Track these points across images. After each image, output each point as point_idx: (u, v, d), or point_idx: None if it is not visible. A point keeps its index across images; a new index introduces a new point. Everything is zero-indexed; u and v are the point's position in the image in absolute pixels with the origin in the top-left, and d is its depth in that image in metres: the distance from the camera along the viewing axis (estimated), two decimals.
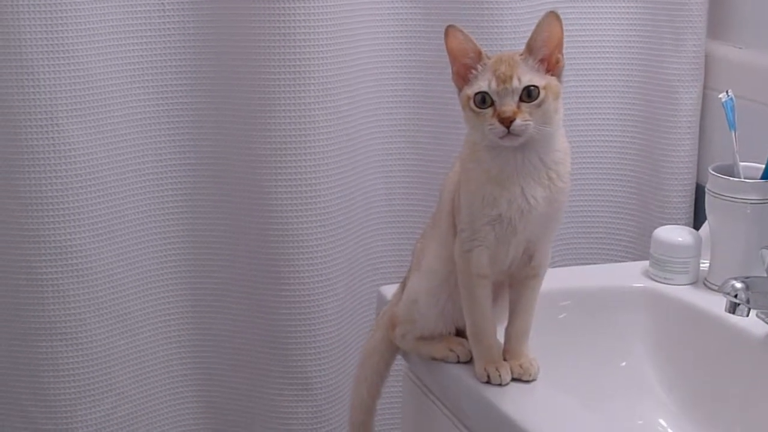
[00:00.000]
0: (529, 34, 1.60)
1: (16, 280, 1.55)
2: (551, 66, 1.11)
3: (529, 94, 1.08)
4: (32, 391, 1.58)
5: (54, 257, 1.54)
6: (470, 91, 1.10)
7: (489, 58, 1.11)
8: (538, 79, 1.08)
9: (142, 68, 1.57)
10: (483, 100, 1.09)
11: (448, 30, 1.12)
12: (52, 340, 1.56)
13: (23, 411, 1.59)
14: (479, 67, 1.11)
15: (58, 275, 1.55)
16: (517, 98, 1.08)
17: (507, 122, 1.07)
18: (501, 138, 1.08)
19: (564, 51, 1.12)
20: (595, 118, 1.76)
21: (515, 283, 1.19)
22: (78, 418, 1.59)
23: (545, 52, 1.10)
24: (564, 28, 1.11)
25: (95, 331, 1.59)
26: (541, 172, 1.11)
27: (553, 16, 1.10)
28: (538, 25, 1.10)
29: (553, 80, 1.10)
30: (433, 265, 1.21)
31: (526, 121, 1.07)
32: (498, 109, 1.08)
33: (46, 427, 1.59)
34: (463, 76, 1.12)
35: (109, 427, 1.62)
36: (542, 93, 1.08)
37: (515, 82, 1.07)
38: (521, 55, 1.10)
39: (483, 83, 1.09)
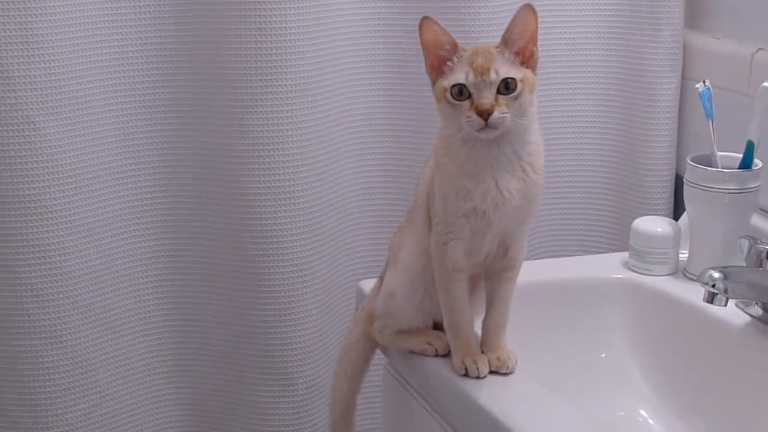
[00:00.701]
0: (503, 25, 1.62)
1: None
2: (526, 59, 1.10)
3: (506, 86, 1.08)
4: (12, 390, 1.58)
5: (32, 256, 1.53)
6: (446, 82, 1.09)
7: (464, 50, 1.10)
8: (514, 72, 1.08)
9: (117, 64, 1.56)
10: (460, 92, 1.08)
11: (423, 21, 1.11)
12: (32, 338, 1.56)
13: (3, 409, 1.58)
14: (455, 59, 1.10)
15: (37, 274, 1.54)
16: (494, 91, 1.08)
17: (485, 114, 1.07)
18: (478, 130, 1.08)
19: (539, 43, 1.12)
20: (573, 110, 1.76)
21: (491, 276, 1.19)
22: (58, 416, 1.59)
23: (520, 45, 1.10)
24: (540, 19, 1.11)
25: (75, 330, 1.58)
26: (515, 165, 1.11)
27: (528, 8, 1.10)
28: (514, 18, 1.10)
29: (528, 73, 1.10)
30: (410, 259, 1.21)
31: (503, 113, 1.07)
32: (476, 101, 1.07)
33: (26, 425, 1.58)
34: (436, 67, 1.12)
35: (90, 425, 1.62)
36: (519, 85, 1.08)
37: (493, 75, 1.07)
38: (497, 47, 1.10)
39: (460, 75, 1.08)
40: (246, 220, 1.61)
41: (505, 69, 1.08)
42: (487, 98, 1.07)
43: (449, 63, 1.10)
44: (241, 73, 1.56)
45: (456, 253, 1.14)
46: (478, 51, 1.09)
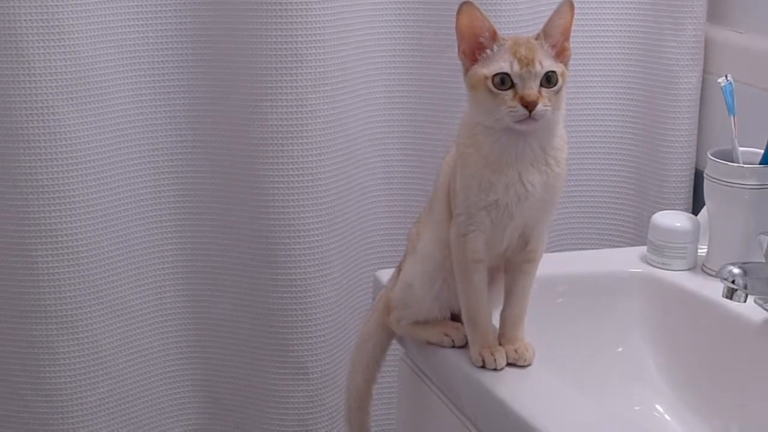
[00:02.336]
0: (525, 17, 1.61)
1: (11, 265, 1.55)
2: (558, 53, 1.10)
3: (549, 79, 1.07)
4: (28, 375, 1.58)
5: (50, 243, 1.54)
6: (487, 70, 1.08)
7: (505, 39, 1.09)
8: (556, 66, 1.08)
9: (138, 53, 1.57)
10: (502, 81, 1.07)
11: (464, 6, 1.09)
12: (48, 324, 1.56)
13: (19, 394, 1.59)
14: (495, 48, 1.09)
15: (54, 261, 1.54)
16: (538, 82, 1.07)
17: (531, 106, 1.06)
18: (519, 121, 1.07)
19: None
20: (593, 103, 1.76)
21: (511, 268, 1.18)
22: (74, 401, 1.59)
23: (556, 39, 1.10)
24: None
25: (91, 316, 1.59)
26: (540, 158, 1.11)
27: (568, 3, 1.09)
28: (556, 12, 1.09)
29: (563, 67, 1.10)
30: (429, 249, 1.21)
31: (546, 106, 1.07)
32: (520, 91, 1.07)
33: (42, 411, 1.59)
34: (470, 55, 1.10)
35: (105, 411, 1.63)
36: (560, 79, 1.08)
37: (537, 66, 1.07)
38: (537, 39, 1.09)
39: (504, 64, 1.07)
40: (264, 208, 1.61)
41: (548, 62, 1.08)
42: (533, 89, 1.06)
43: (488, 51, 1.09)
44: (262, 61, 1.56)
45: (476, 245, 1.13)
46: (520, 41, 1.08)
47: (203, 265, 1.67)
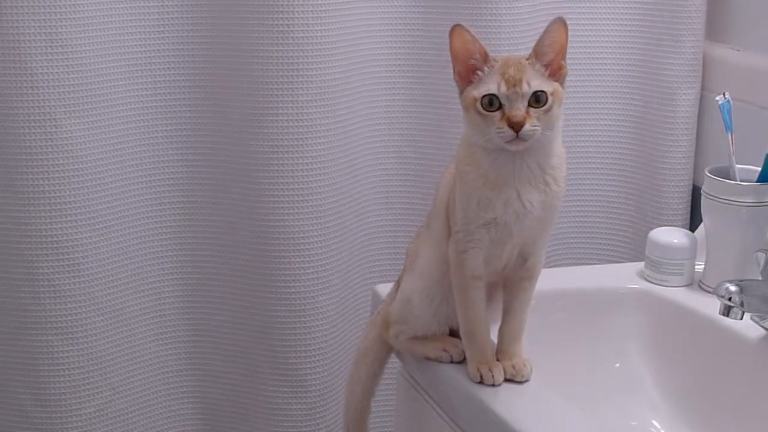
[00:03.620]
0: (526, 34, 1.62)
1: (12, 275, 1.55)
2: (554, 72, 1.10)
3: (537, 99, 1.08)
4: (28, 385, 1.59)
5: (50, 252, 1.54)
6: (477, 92, 1.09)
7: (495, 60, 1.10)
8: (546, 85, 1.08)
9: (140, 64, 1.57)
10: (491, 102, 1.08)
11: (455, 29, 1.10)
12: (48, 334, 1.57)
13: (18, 404, 1.59)
14: (485, 69, 1.10)
15: (55, 270, 1.55)
16: (526, 103, 1.07)
17: (517, 127, 1.06)
18: (507, 142, 1.07)
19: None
20: (592, 119, 1.76)
21: (509, 284, 1.19)
22: (73, 412, 1.60)
23: (550, 58, 1.10)
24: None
25: (91, 327, 1.59)
26: (538, 177, 1.11)
27: (560, 22, 1.09)
28: (546, 31, 1.10)
29: (557, 86, 1.10)
30: (428, 265, 1.21)
31: (534, 126, 1.07)
32: (507, 113, 1.07)
33: (40, 420, 1.59)
34: (465, 76, 1.11)
35: (104, 422, 1.63)
36: (550, 99, 1.08)
37: (525, 87, 1.07)
38: (528, 59, 1.10)
39: (492, 86, 1.08)
40: (263, 221, 1.62)
41: (536, 81, 1.08)
42: (519, 110, 1.07)
43: (479, 73, 1.10)
44: (263, 75, 1.57)
45: (475, 262, 1.14)
46: (509, 62, 1.09)
47: (203, 277, 1.68)
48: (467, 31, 1.10)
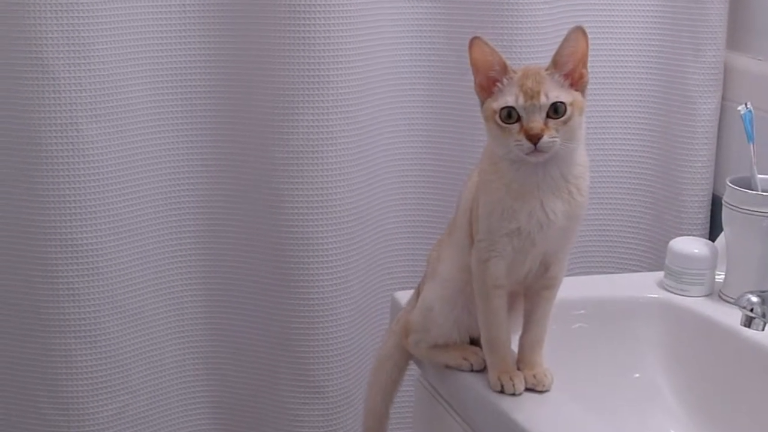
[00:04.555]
0: (546, 40, 1.62)
1: (32, 278, 1.56)
2: (575, 81, 1.10)
3: (556, 110, 1.07)
4: (46, 387, 1.59)
5: (71, 256, 1.55)
6: (496, 105, 1.09)
7: (515, 71, 1.10)
8: (564, 95, 1.08)
9: (161, 71, 1.58)
10: (509, 114, 1.08)
11: (473, 41, 1.10)
12: (67, 337, 1.57)
13: (36, 406, 1.60)
14: (505, 81, 1.10)
15: (75, 273, 1.55)
16: (544, 114, 1.07)
17: (534, 139, 1.06)
18: (527, 154, 1.07)
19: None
20: (612, 126, 1.76)
21: (531, 293, 1.19)
22: (90, 414, 1.60)
23: (570, 67, 1.09)
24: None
25: (109, 330, 1.60)
26: (561, 187, 1.11)
27: (579, 31, 1.09)
28: (565, 40, 1.09)
29: (578, 96, 1.09)
30: (449, 273, 1.22)
31: (552, 138, 1.07)
32: (525, 125, 1.07)
33: (58, 423, 1.60)
34: (486, 88, 1.11)
35: (121, 425, 1.63)
36: (569, 110, 1.08)
37: (543, 98, 1.07)
38: (547, 69, 1.09)
39: (510, 98, 1.08)
40: (282, 227, 1.62)
41: (555, 92, 1.07)
42: (536, 122, 1.07)
43: (499, 84, 1.10)
44: (284, 81, 1.57)
45: (497, 271, 1.14)
46: (528, 73, 1.09)
47: (222, 283, 1.68)
48: (485, 43, 1.10)
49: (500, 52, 1.11)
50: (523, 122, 1.07)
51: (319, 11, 1.54)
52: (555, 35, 1.65)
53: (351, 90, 1.60)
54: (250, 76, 1.60)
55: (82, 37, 1.49)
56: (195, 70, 1.60)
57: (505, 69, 1.10)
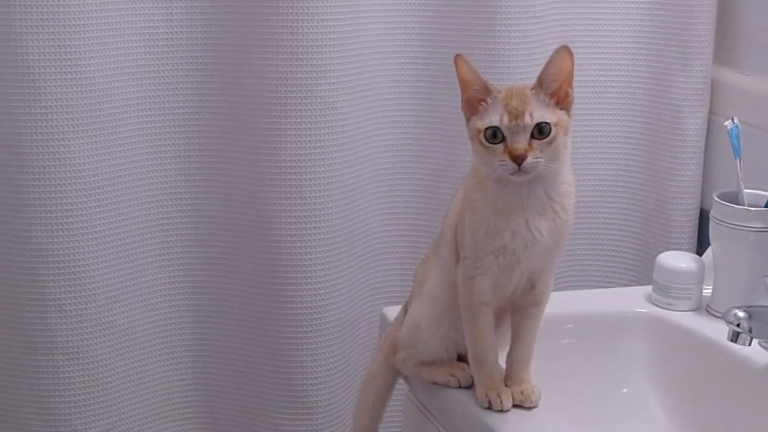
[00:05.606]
0: (534, 54, 1.62)
1: (18, 294, 1.56)
2: (560, 99, 1.10)
3: (540, 130, 1.07)
4: (32, 404, 1.58)
5: (57, 272, 1.54)
6: (480, 124, 1.09)
7: (499, 91, 1.10)
8: (549, 116, 1.08)
9: (148, 85, 1.58)
10: (494, 134, 1.08)
11: (456, 59, 1.11)
12: (54, 353, 1.57)
13: (24, 423, 1.59)
14: (489, 100, 1.10)
15: (61, 289, 1.55)
16: (528, 135, 1.07)
17: (519, 160, 1.06)
18: (511, 174, 1.07)
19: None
20: (600, 140, 1.76)
21: (517, 310, 1.19)
22: None
23: (555, 86, 1.09)
24: (573, 51, 1.10)
25: (96, 347, 1.59)
26: (546, 205, 1.11)
27: (564, 50, 1.09)
28: (550, 60, 1.09)
29: (563, 115, 1.09)
30: (436, 291, 1.22)
31: (536, 158, 1.07)
32: (509, 146, 1.07)
33: None
34: (472, 105, 1.11)
35: None
36: (554, 130, 1.07)
37: (527, 119, 1.07)
38: (532, 89, 1.09)
39: (494, 117, 1.08)
40: (270, 241, 1.62)
41: (539, 112, 1.07)
42: (520, 143, 1.07)
43: (483, 103, 1.10)
44: (273, 95, 1.57)
45: (483, 288, 1.14)
46: (512, 93, 1.09)
47: (210, 299, 1.68)
48: (465, 62, 1.11)
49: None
50: (507, 142, 1.08)
51: (307, 24, 1.54)
52: (544, 46, 1.65)
53: (340, 103, 1.60)
54: (238, 89, 1.60)
55: (69, 51, 1.48)
56: (182, 84, 1.60)
57: (485, 88, 1.10)
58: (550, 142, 1.08)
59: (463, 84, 1.11)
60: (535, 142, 1.07)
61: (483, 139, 1.09)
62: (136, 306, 1.63)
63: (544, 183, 1.10)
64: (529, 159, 1.06)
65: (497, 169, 1.08)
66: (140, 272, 1.62)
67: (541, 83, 1.10)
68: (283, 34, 1.55)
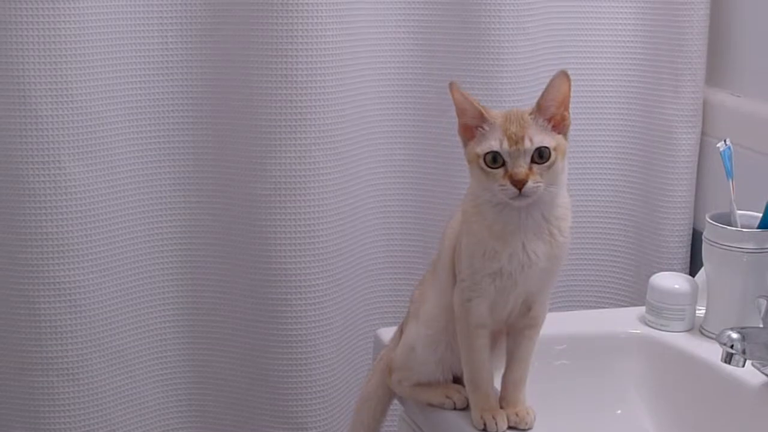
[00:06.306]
0: (528, 78, 1.63)
1: (14, 315, 1.55)
2: (557, 123, 1.11)
3: (540, 155, 1.08)
4: (27, 425, 1.58)
5: (53, 293, 1.54)
6: (480, 149, 1.10)
7: (496, 117, 1.10)
8: (548, 140, 1.09)
9: (144, 108, 1.58)
10: (494, 159, 1.09)
11: (450, 86, 1.12)
12: (49, 374, 1.56)
13: None
14: (486, 126, 1.10)
15: (57, 310, 1.55)
16: (528, 159, 1.08)
17: (520, 184, 1.07)
18: (511, 199, 1.08)
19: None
20: (592, 161, 1.77)
21: (513, 332, 1.19)
22: None
23: (553, 111, 1.10)
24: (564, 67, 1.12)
25: (92, 367, 1.59)
26: (543, 228, 1.12)
27: (562, 75, 1.10)
28: (549, 85, 1.10)
29: (561, 139, 1.10)
30: (432, 313, 1.22)
31: (537, 183, 1.08)
32: (510, 170, 1.08)
33: None
34: (469, 130, 1.12)
35: None
36: (553, 154, 1.08)
37: (527, 143, 1.07)
38: (531, 113, 1.10)
39: (494, 142, 1.09)
40: (265, 263, 1.62)
41: (539, 137, 1.08)
42: (521, 167, 1.08)
43: (481, 129, 1.11)
44: (266, 118, 1.58)
45: (480, 311, 1.15)
46: (511, 117, 1.09)
47: (204, 319, 1.68)
48: (458, 90, 1.11)
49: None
50: (507, 167, 1.08)
51: (301, 48, 1.55)
52: (536, 64, 1.66)
53: (333, 126, 1.60)
54: (233, 112, 1.60)
55: (65, 74, 1.49)
56: (178, 107, 1.60)
57: (481, 116, 1.11)
58: (549, 166, 1.08)
59: (460, 111, 1.12)
60: (535, 167, 1.08)
61: (483, 164, 1.09)
62: (131, 326, 1.63)
63: (542, 206, 1.11)
64: (530, 183, 1.07)
65: (497, 193, 1.09)
66: (135, 293, 1.62)
67: (539, 108, 1.10)
68: (277, 58, 1.56)
